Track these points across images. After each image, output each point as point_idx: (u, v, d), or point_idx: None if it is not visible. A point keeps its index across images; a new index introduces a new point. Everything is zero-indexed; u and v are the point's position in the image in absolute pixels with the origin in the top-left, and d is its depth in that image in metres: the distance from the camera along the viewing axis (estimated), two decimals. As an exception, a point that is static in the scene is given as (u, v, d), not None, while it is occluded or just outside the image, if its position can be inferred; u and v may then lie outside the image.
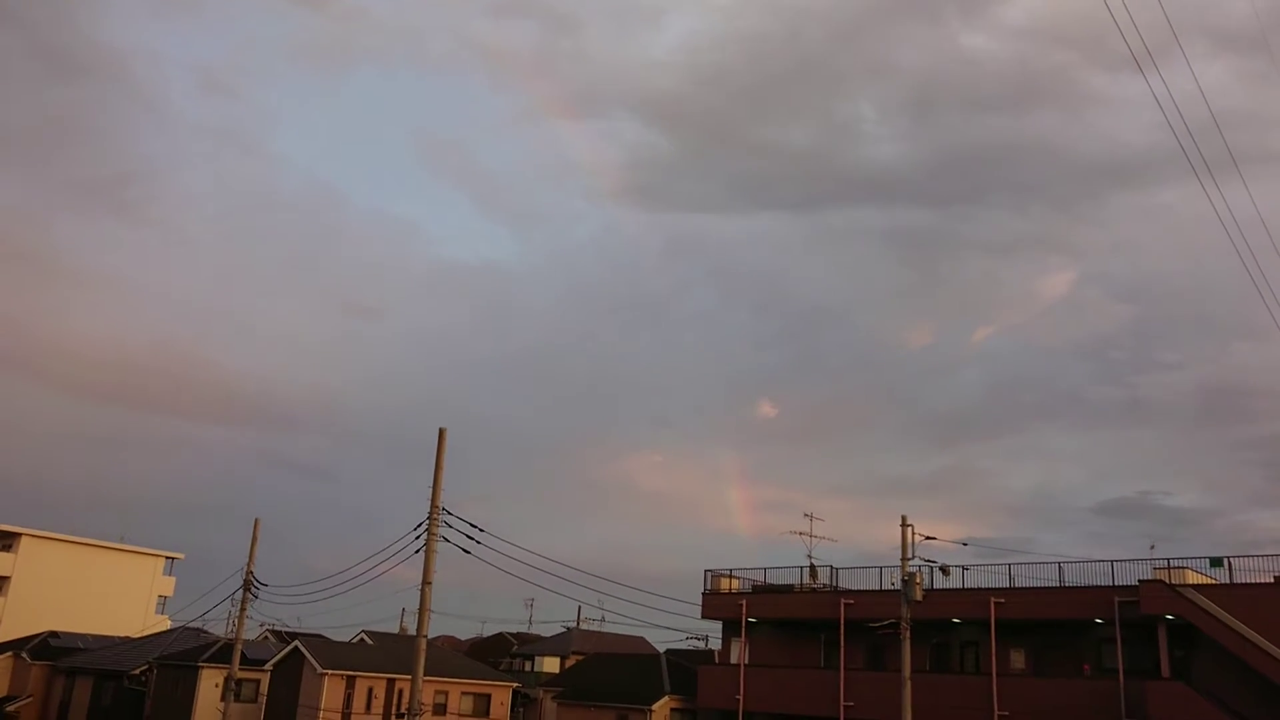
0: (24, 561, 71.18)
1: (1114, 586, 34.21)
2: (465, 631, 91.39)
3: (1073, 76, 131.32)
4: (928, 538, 31.24)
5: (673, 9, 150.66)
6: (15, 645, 60.56)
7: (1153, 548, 36.59)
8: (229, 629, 48.72)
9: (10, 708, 57.15)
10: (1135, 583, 33.51)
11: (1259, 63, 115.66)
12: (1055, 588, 35.88)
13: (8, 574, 70.55)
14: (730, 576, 45.33)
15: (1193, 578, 33.23)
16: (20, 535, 71.62)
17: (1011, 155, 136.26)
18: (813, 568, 43.48)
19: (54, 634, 61.14)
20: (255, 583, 41.88)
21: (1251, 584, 32.51)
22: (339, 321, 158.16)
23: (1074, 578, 35.72)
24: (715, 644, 50.54)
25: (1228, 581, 33.00)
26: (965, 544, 34.02)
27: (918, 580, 30.77)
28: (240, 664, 43.16)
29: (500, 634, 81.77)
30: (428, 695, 42.40)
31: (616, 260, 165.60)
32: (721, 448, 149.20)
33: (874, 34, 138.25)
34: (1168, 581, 32.66)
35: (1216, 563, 33.44)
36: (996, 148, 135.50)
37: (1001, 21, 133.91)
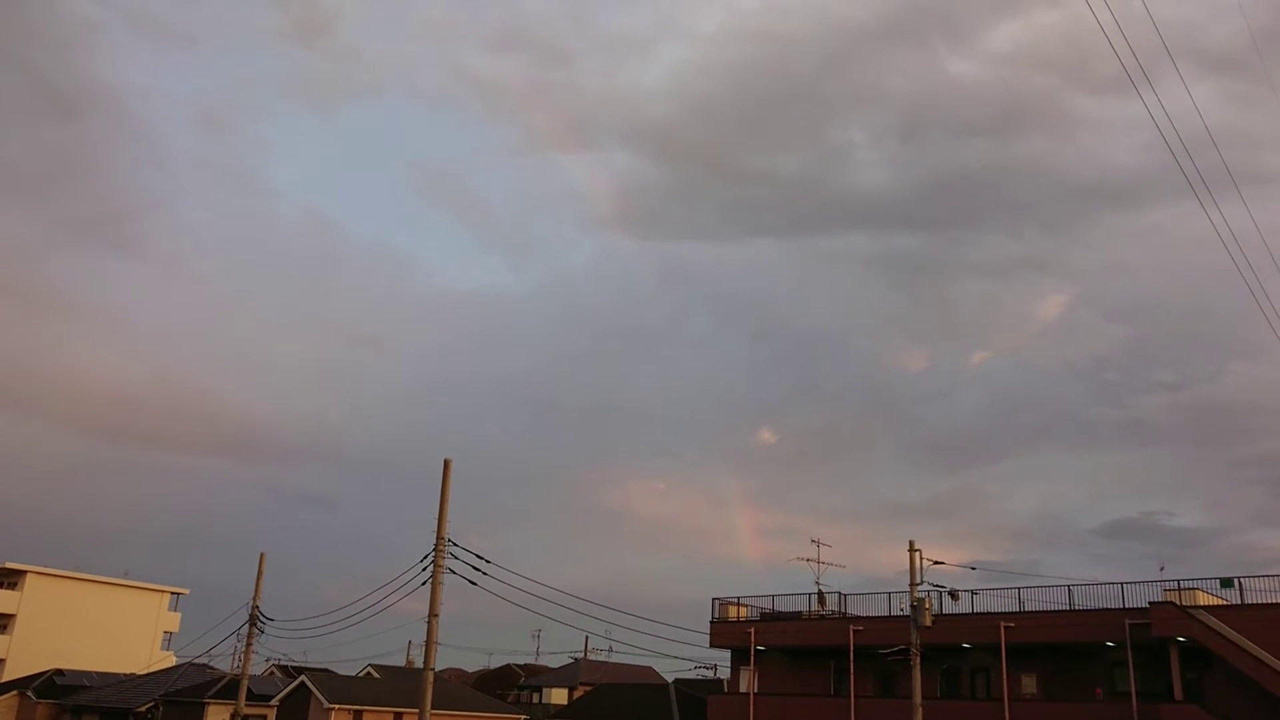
0: (29, 599, 70.98)
1: (1124, 609, 33.96)
2: (472, 663, 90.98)
3: (1058, 100, 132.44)
4: (935, 562, 31.11)
5: (662, 39, 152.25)
6: (21, 684, 60.28)
7: (1162, 569, 36.45)
8: (235, 664, 48.53)
9: (15, 747, 56.85)
10: (1146, 605, 33.27)
11: (1242, 84, 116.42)
12: (1065, 611, 35.64)
13: (12, 612, 70.31)
14: (738, 604, 45.07)
15: (1204, 599, 32.99)
16: (25, 573, 71.46)
17: (1002, 179, 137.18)
18: (821, 594, 43.23)
19: (59, 672, 60.87)
20: (261, 617, 41.68)
21: (1264, 604, 32.24)
22: (338, 352, 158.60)
23: (1083, 600, 35.50)
24: (724, 673, 50.19)
25: (1239, 602, 32.75)
26: (973, 568, 33.85)
27: (927, 605, 30.60)
28: (247, 700, 42.87)
29: (508, 665, 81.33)
30: (435, 729, 42.09)
31: (612, 288, 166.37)
32: (723, 474, 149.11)
33: (861, 61, 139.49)
34: (1179, 603, 32.43)
35: (1227, 583, 33.21)
36: (986, 171, 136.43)
37: (986, 47, 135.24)
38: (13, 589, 71.00)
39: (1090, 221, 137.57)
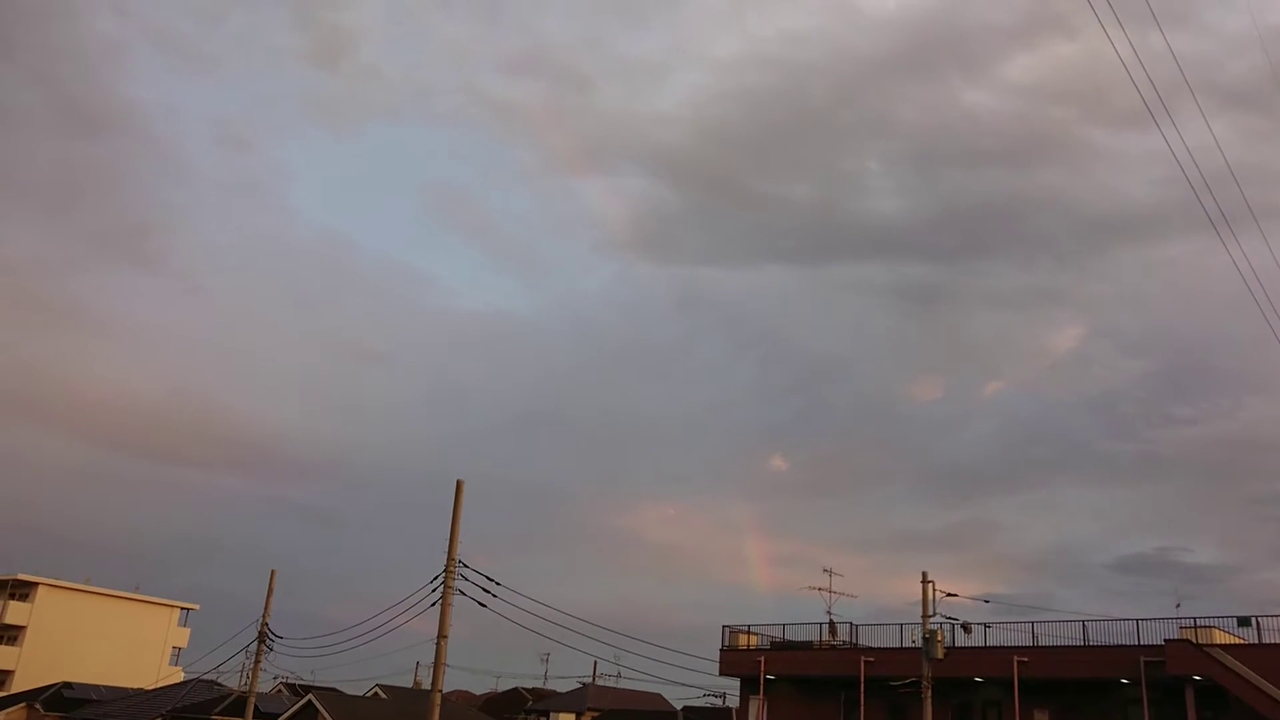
0: (40, 611, 71.16)
1: (1140, 646, 33.51)
2: (480, 686, 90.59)
3: (1073, 132, 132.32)
4: (948, 594, 30.84)
5: (678, 65, 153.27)
6: (29, 696, 60.31)
7: (1178, 606, 35.82)
8: (243, 681, 48.45)
9: (22, 760, 56.79)
10: (1161, 642, 32.84)
11: (1261, 119, 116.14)
12: (1079, 647, 35.20)
13: (23, 624, 70.49)
14: (748, 632, 44.72)
15: (1220, 637, 32.55)
16: (37, 585, 71.70)
17: (1016, 210, 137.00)
18: (832, 624, 42.89)
19: (68, 685, 60.87)
20: (270, 635, 41.65)
21: (1281, 644, 31.80)
22: (351, 370, 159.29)
23: (1098, 636, 35.06)
24: (733, 701, 49.77)
25: (1256, 641, 32.29)
26: (987, 601, 33.59)
27: (939, 638, 30.31)
28: (254, 717, 42.77)
29: (515, 689, 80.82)
30: (441, 751, 41.77)
31: (626, 311, 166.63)
32: (734, 501, 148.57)
33: (876, 90, 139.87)
34: (1195, 641, 32.00)
35: (1244, 622, 32.75)
36: (1001, 202, 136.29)
37: (1002, 79, 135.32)
38: (24, 601, 71.23)
39: (1105, 254, 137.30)
